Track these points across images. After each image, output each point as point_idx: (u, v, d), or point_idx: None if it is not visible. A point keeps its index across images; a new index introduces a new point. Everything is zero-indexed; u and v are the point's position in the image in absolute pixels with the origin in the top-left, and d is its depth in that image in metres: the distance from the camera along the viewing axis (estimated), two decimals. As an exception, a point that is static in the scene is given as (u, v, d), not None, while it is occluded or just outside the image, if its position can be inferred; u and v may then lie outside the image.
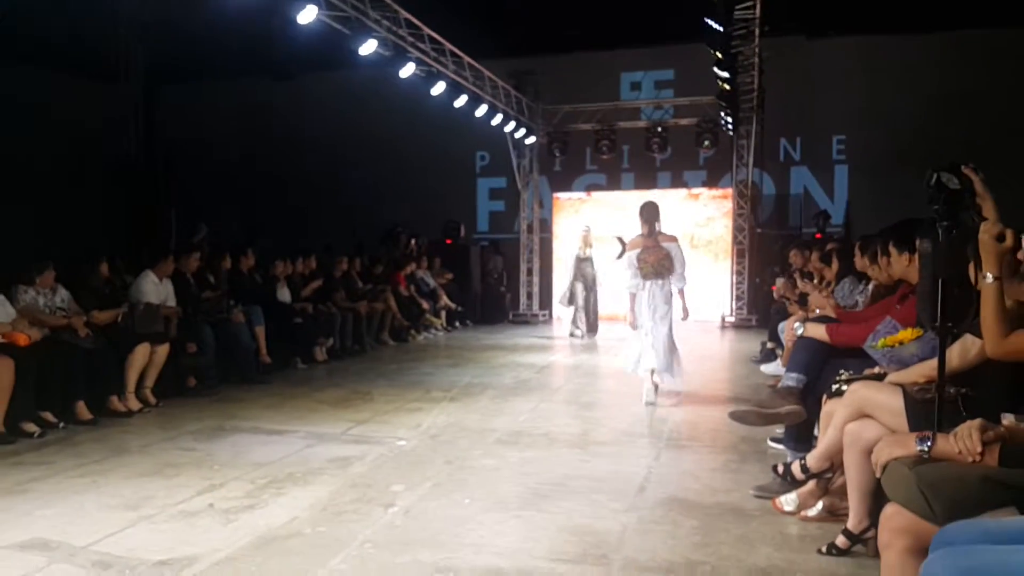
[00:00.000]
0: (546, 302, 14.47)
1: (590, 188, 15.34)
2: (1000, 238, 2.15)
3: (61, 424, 5.47)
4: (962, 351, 2.61)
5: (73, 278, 6.26)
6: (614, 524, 3.60)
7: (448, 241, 14.28)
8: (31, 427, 5.25)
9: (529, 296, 14.58)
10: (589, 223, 11.78)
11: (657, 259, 6.29)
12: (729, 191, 13.59)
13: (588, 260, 11.13)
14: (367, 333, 10.02)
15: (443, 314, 12.36)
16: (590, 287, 11.21)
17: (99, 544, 3.34)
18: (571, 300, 11.38)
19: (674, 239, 6.46)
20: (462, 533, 3.48)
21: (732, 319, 13.07)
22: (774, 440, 4.79)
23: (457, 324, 12.71)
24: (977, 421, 1.95)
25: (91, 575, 3.04)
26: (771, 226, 14.56)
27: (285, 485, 4.20)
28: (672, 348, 6.42)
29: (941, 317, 2.28)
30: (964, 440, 1.91)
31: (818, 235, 12.09)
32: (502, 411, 6.23)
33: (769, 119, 13.64)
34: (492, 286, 14.22)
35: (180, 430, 5.53)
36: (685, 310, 6.50)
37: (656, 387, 6.39)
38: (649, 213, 6.34)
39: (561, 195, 14.90)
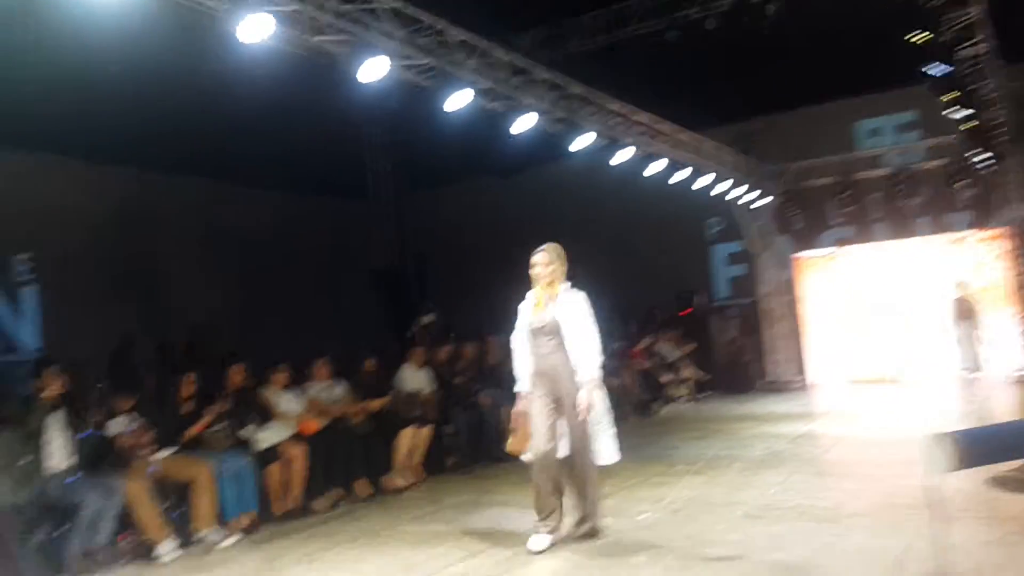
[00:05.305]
0: (802, 367, 13.70)
1: (840, 242, 14.44)
2: None
3: (343, 502, 6.24)
4: None
5: (347, 372, 7.21)
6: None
7: (683, 312, 14.16)
8: (321, 504, 6.06)
9: (780, 362, 13.86)
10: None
11: None
12: (1002, 232, 12.09)
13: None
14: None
15: (691, 384, 12.27)
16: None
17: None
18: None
19: None
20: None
21: (1023, 373, 11.41)
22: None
23: (708, 392, 12.53)
24: None
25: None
26: (1061, 266, 12.64)
27: (532, 557, 4.46)
28: None
29: None
30: None
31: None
32: (750, 484, 6.03)
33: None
34: (735, 353, 13.76)
35: (443, 504, 6.08)
36: None
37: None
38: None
39: (803, 254, 14.20)
